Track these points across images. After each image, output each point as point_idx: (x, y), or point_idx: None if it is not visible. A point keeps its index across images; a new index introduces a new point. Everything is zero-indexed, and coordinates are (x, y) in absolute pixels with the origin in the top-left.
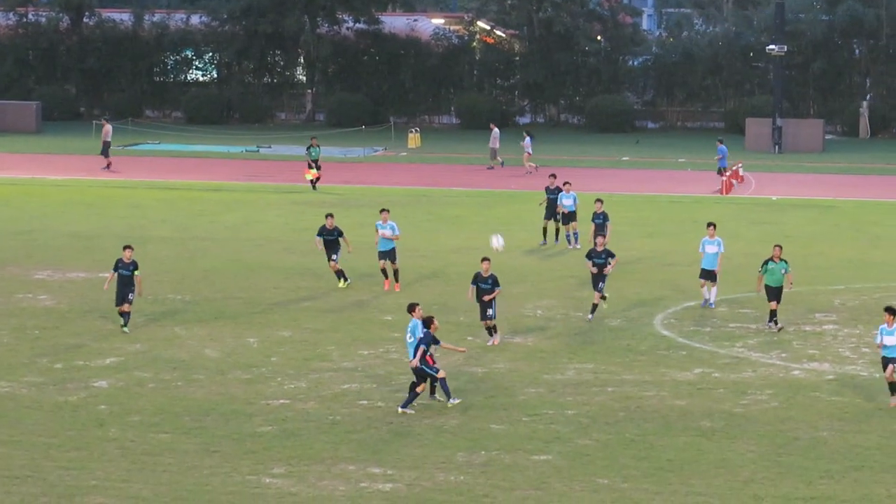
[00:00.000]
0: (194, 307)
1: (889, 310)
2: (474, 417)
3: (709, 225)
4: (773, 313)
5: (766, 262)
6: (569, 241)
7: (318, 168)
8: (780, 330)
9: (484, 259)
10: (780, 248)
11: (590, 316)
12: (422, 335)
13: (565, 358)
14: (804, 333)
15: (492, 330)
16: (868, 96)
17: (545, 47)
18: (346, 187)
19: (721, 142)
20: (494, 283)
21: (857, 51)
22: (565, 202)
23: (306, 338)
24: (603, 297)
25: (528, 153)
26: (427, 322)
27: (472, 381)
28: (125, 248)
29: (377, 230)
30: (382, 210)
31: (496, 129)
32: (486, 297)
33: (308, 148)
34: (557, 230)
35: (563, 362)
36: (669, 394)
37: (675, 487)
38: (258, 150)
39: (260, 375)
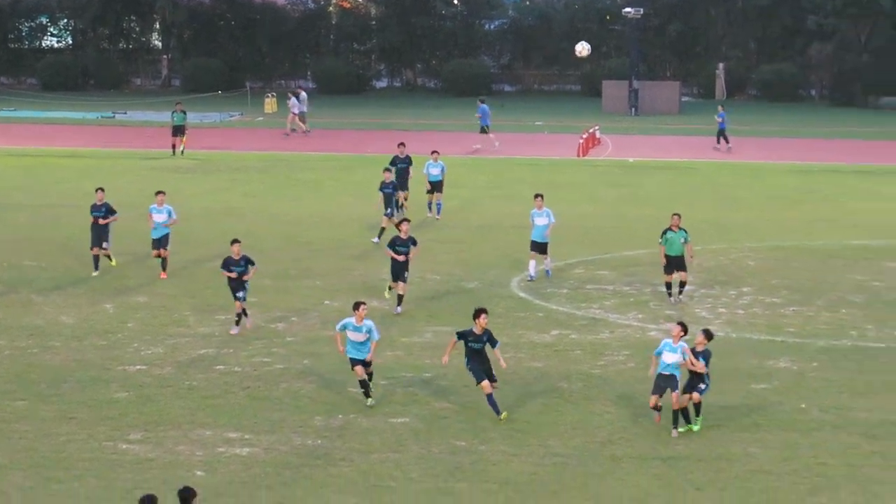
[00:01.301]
0: (51, 274)
1: (682, 325)
2: (331, 382)
3: (536, 196)
4: (682, 284)
5: (664, 232)
6: (429, 209)
7: (184, 134)
8: (677, 303)
9: (403, 221)
10: (679, 216)
11: (398, 308)
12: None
13: (423, 321)
14: (661, 294)
15: (401, 298)
16: (724, 58)
17: (402, 11)
18: (204, 153)
19: (482, 101)
20: (413, 243)
21: (713, 13)
22: (432, 171)
23: (163, 303)
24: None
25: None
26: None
27: (328, 345)
28: None
29: (151, 215)
30: (158, 192)
31: (303, 94)
32: (402, 258)
33: (172, 113)
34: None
35: (420, 325)
36: (527, 356)
37: (532, 449)
38: (114, 117)
39: (116, 341)
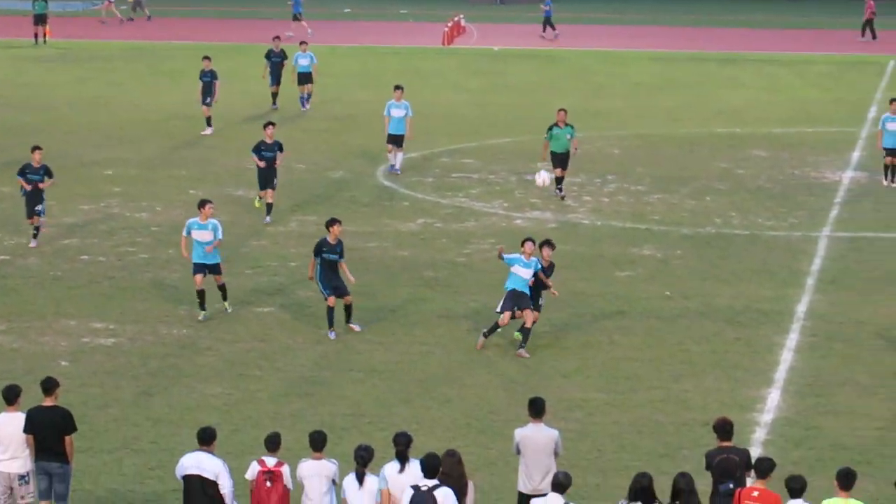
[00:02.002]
0: None
1: (531, 241)
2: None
3: (396, 88)
4: (559, 180)
5: (550, 128)
6: (302, 104)
7: (46, 23)
8: (563, 199)
9: (269, 124)
10: (565, 111)
11: (267, 218)
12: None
13: (288, 210)
14: (526, 182)
15: (269, 207)
16: None
17: None
18: (67, 42)
19: None
20: (279, 148)
21: None
22: (301, 62)
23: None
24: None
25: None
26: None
27: None
28: None
29: None
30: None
31: None
32: (264, 164)
33: (34, 2)
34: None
35: (286, 214)
36: (393, 244)
37: (398, 337)
38: None
39: None
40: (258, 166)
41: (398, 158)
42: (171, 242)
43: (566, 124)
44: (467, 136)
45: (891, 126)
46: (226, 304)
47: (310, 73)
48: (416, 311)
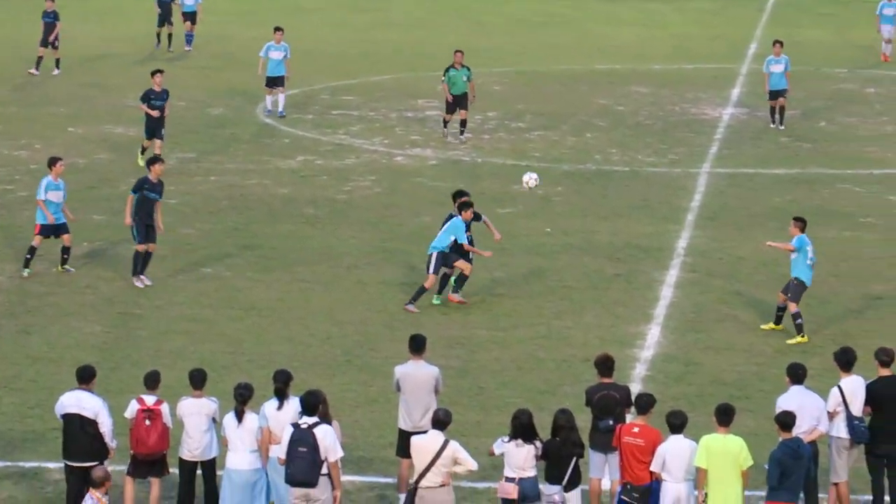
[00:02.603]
0: None
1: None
2: (75, 209)
3: (276, 30)
4: (463, 123)
5: (447, 70)
6: (188, 43)
7: None
8: (463, 143)
9: (157, 71)
10: (462, 53)
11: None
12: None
13: (167, 147)
14: (407, 119)
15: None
16: None
17: None
18: None
19: None
20: (167, 96)
21: None
22: (187, 1)
23: None
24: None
25: None
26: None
27: (73, 173)
28: None
29: None
30: None
31: None
32: (157, 113)
33: None
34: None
35: (164, 152)
36: (273, 182)
37: (278, 275)
38: None
39: None
40: (148, 115)
41: (281, 100)
42: None
43: (462, 66)
44: (348, 73)
45: (775, 68)
46: (67, 266)
47: (194, 13)
48: (296, 249)
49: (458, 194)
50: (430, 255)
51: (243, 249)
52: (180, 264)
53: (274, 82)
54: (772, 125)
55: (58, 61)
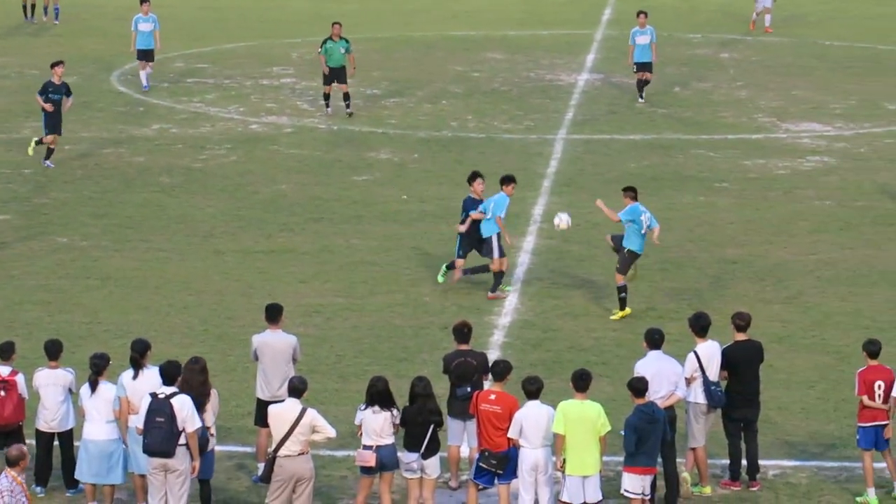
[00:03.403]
0: None
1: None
2: None
3: (143, 1)
4: (345, 96)
5: (324, 42)
6: (55, 17)
7: None
8: (350, 115)
9: (58, 63)
10: (340, 25)
11: (47, 162)
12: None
13: (21, 116)
14: (262, 87)
15: (50, 153)
16: None
17: None
18: None
19: None
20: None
21: None
22: None
23: None
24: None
25: None
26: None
27: None
28: None
29: None
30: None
31: None
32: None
33: None
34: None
35: (18, 121)
36: (128, 150)
37: (134, 244)
38: None
39: None
40: (44, 110)
41: (144, 75)
42: None
43: (340, 37)
44: (201, 40)
45: (641, 40)
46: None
47: None
48: (152, 217)
49: (505, 180)
50: (490, 239)
51: (99, 219)
52: (35, 233)
53: (145, 55)
54: (640, 101)
55: None
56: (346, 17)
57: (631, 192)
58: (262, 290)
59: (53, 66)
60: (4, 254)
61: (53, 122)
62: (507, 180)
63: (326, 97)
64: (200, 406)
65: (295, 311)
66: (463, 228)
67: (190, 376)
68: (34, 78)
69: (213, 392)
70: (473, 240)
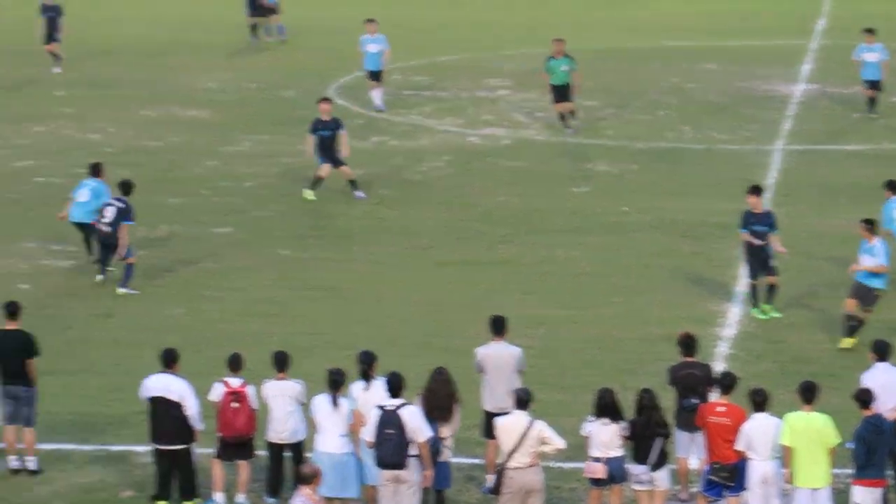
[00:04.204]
0: None
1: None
2: (150, 190)
3: (368, 21)
4: (570, 114)
5: (548, 59)
6: (280, 32)
7: None
8: (572, 132)
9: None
10: (561, 42)
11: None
12: None
13: (239, 130)
14: (478, 99)
15: None
16: None
17: None
18: None
19: None
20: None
21: None
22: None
23: None
24: None
25: None
26: None
27: (147, 155)
28: None
29: None
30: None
31: None
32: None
33: None
34: None
35: (236, 135)
36: (349, 163)
37: (354, 256)
38: None
39: None
40: (321, 140)
41: (378, 94)
42: (123, 163)
43: (563, 55)
44: (419, 52)
45: (869, 57)
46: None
47: (276, 4)
48: (372, 229)
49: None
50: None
51: (319, 231)
52: (257, 247)
53: (373, 76)
54: (871, 114)
55: (56, 57)
56: (560, 29)
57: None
58: (483, 302)
59: (320, 101)
60: (227, 266)
61: (330, 155)
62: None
63: (561, 117)
64: (444, 417)
65: (518, 323)
66: (757, 242)
67: (437, 387)
68: (252, 91)
69: (457, 405)
70: (758, 259)
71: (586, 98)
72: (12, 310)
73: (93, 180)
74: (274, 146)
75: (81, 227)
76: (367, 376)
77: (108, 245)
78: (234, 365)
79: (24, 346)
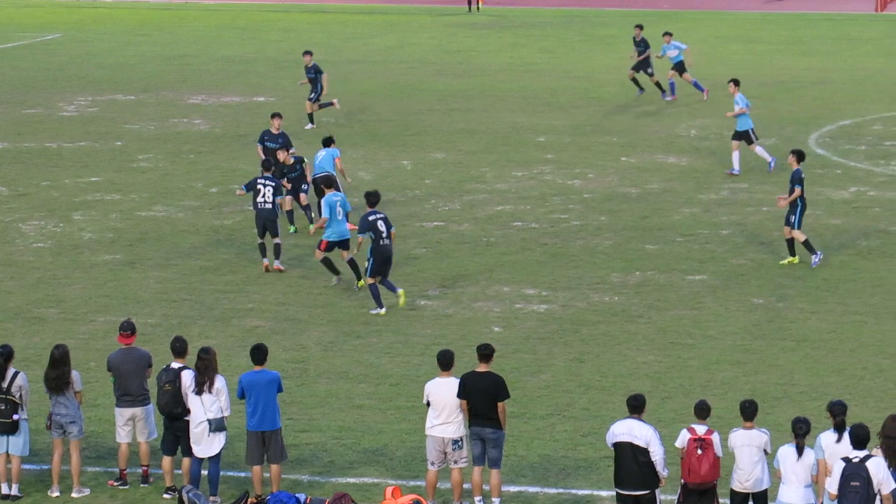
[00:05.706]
0: (348, 130)
1: None
2: (629, 238)
3: (731, 81)
4: None
5: None
6: (700, 88)
7: None
8: None
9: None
10: None
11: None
12: None
13: (719, 177)
14: None
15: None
16: None
17: None
18: (499, 9)
19: None
20: None
21: None
22: (671, 53)
23: (460, 160)
24: None
25: None
26: None
27: (626, 202)
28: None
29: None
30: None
31: None
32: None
33: None
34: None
35: (717, 182)
36: (825, 213)
37: (830, 307)
38: None
39: (414, 198)
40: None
41: (763, 153)
42: (602, 210)
43: None
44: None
45: None
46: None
47: (681, 62)
48: (849, 281)
49: None
50: None
51: (795, 280)
52: (732, 294)
53: (740, 136)
54: None
55: (311, 116)
56: None
57: None
58: None
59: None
60: (700, 314)
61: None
62: None
63: None
64: None
65: None
66: None
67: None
68: (726, 140)
69: None
70: None
71: None
72: (487, 352)
73: None
74: (754, 195)
75: None
76: (839, 427)
77: None
78: (701, 412)
79: (493, 388)
